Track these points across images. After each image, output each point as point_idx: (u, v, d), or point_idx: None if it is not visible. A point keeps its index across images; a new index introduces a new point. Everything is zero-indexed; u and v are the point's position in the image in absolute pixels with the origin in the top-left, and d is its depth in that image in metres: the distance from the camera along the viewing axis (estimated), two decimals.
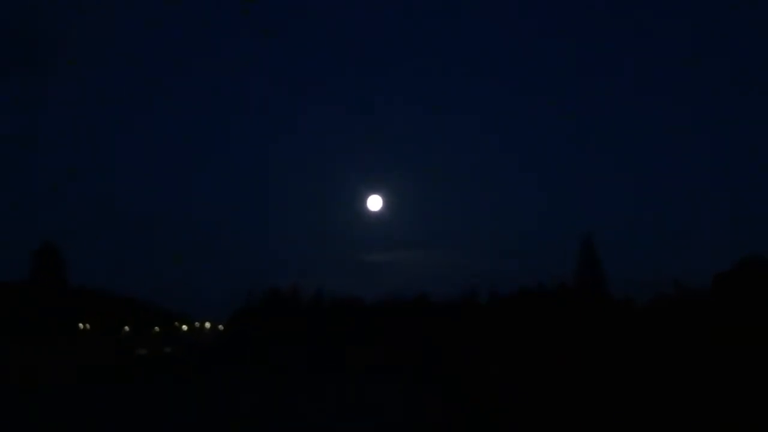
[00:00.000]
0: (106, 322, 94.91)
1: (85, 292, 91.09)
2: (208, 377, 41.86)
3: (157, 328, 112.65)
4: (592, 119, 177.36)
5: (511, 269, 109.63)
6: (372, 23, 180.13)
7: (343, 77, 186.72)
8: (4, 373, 42.26)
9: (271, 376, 41.80)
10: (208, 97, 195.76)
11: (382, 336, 65.96)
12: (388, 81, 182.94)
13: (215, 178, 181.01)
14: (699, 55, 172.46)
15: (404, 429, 22.64)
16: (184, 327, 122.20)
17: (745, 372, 29.98)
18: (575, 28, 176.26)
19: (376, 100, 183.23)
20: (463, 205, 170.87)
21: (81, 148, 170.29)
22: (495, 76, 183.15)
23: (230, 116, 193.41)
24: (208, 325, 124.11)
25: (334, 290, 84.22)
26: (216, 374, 43.29)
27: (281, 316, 76.62)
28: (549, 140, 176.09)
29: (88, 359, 51.21)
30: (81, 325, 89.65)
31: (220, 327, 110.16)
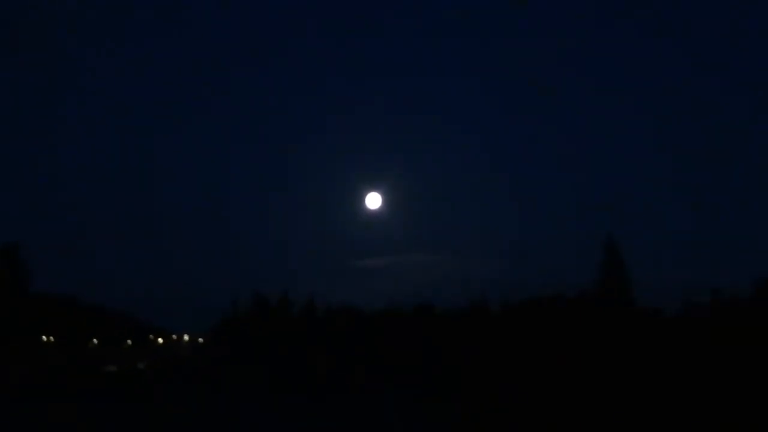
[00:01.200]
0: (71, 334, 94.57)
1: (49, 299, 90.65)
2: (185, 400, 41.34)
3: (129, 341, 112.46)
4: (614, 111, 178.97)
5: (525, 275, 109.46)
6: (371, 22, 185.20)
7: (341, 72, 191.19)
8: None
9: (257, 396, 41.29)
10: (191, 93, 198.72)
11: (382, 349, 65.86)
12: (390, 75, 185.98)
13: (193, 177, 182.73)
14: (731, 57, 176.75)
15: None
16: (160, 340, 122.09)
17: None
18: (585, 24, 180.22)
19: (375, 95, 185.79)
20: (471, 204, 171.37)
21: (51, 144, 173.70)
22: (507, 69, 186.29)
23: (202, 112, 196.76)
24: (186, 338, 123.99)
25: (329, 299, 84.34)
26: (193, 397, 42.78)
27: (269, 327, 76.48)
28: (566, 136, 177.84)
29: (43, 373, 50.99)
30: (44, 337, 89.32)
31: (200, 340, 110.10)
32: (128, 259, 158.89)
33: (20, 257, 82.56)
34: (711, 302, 58.63)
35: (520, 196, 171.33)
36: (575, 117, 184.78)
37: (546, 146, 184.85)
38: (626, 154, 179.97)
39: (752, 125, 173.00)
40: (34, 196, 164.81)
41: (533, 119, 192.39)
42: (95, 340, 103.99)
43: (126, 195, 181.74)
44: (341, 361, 64.10)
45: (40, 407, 34.08)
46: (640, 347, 47.05)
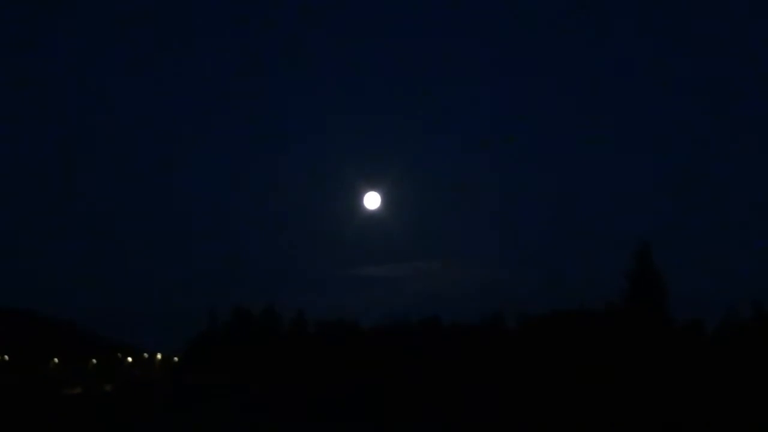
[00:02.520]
0: (28, 351, 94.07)
1: (5, 312, 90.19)
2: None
3: (94, 361, 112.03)
4: (639, 106, 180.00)
5: (544, 286, 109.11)
6: (371, 20, 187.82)
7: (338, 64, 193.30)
8: None
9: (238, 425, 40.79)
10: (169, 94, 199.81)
11: (383, 370, 65.57)
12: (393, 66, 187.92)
13: (168, 179, 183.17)
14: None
15: None
16: (129, 359, 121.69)
17: None
18: (602, 22, 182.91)
19: (374, 92, 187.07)
20: (482, 206, 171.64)
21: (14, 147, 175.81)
22: (522, 62, 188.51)
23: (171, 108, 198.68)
24: (159, 356, 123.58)
25: (321, 312, 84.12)
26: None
27: (252, 345, 76.17)
28: (590, 133, 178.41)
29: None
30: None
31: (175, 359, 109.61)
32: (94, 268, 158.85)
33: None
34: (753, 317, 58.59)
35: (538, 196, 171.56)
36: (596, 111, 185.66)
37: (567, 142, 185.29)
38: (657, 153, 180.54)
39: None
40: None
41: (551, 114, 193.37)
42: (55, 359, 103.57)
43: (89, 197, 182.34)
44: (337, 382, 63.82)
45: None
46: (678, 369, 46.89)
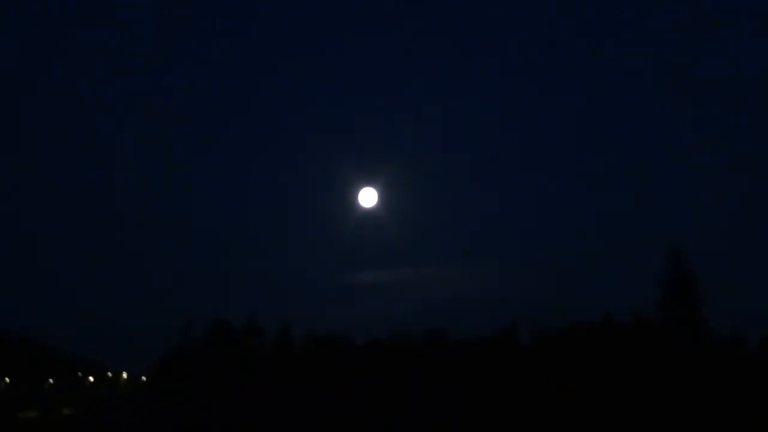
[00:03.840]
0: None
1: None
2: None
3: (51, 380, 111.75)
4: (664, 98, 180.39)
5: (563, 295, 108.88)
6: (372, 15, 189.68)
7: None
8: None
9: None
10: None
11: (380, 390, 65.44)
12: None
13: (139, 178, 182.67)
14: None
15: None
16: (91, 378, 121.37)
17: None
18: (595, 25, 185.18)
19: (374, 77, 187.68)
20: (492, 205, 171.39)
21: None
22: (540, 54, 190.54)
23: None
24: (125, 375, 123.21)
25: (310, 325, 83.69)
26: None
27: (232, 362, 75.99)
28: (611, 125, 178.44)
29: None
30: None
31: (143, 378, 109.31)
32: (49, 276, 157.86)
33: None
34: None
35: (554, 194, 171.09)
36: (616, 101, 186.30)
37: (587, 136, 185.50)
38: (687, 147, 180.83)
39: None
40: None
41: (563, 108, 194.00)
42: (6, 379, 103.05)
43: (52, 195, 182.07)
44: (328, 404, 63.72)
45: None
46: (716, 390, 46.92)
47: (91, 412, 71.29)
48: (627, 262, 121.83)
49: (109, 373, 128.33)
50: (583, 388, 55.71)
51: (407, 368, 68.28)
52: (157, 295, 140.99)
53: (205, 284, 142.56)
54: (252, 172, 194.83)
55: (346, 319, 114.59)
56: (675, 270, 59.01)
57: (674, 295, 58.38)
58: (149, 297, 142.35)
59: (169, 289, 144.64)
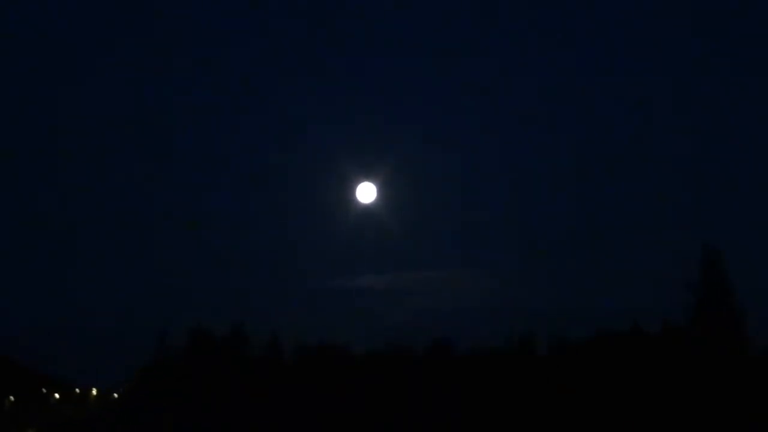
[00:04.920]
0: None
1: None
2: None
3: (12, 398, 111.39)
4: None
5: (584, 303, 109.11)
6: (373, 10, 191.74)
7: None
8: None
9: None
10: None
11: (380, 408, 65.44)
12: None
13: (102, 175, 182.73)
14: None
15: None
16: (57, 395, 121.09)
17: None
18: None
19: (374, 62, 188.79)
20: (503, 203, 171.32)
21: None
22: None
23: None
24: (94, 392, 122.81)
25: (302, 334, 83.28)
26: None
27: (214, 376, 75.99)
28: (631, 119, 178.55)
29: None
30: None
31: (115, 395, 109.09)
32: (13, 285, 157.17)
33: None
34: None
35: (573, 192, 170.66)
36: (636, 96, 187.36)
37: (604, 130, 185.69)
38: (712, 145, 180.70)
39: None
40: None
41: (589, 104, 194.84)
42: None
43: (11, 200, 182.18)
44: (321, 422, 63.73)
45: None
46: (756, 404, 46.89)
47: None
48: (654, 266, 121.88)
49: (77, 390, 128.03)
50: (609, 404, 55.80)
51: (410, 383, 68.41)
52: (129, 303, 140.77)
53: (184, 290, 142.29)
54: (238, 170, 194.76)
55: (342, 328, 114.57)
56: (709, 274, 59.03)
57: (709, 302, 58.38)
58: (121, 305, 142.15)
59: (144, 297, 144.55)
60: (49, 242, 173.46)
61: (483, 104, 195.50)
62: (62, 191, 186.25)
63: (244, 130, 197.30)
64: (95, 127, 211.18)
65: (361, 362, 77.59)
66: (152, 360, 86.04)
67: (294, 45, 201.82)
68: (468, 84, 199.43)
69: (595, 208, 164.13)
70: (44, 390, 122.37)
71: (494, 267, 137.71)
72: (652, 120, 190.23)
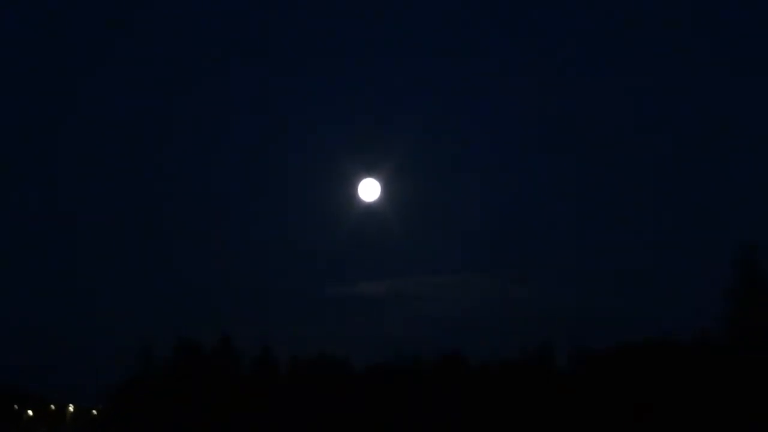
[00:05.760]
0: None
1: None
2: None
3: None
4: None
5: (609, 311, 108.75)
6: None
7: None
8: None
9: None
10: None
11: (383, 427, 65.41)
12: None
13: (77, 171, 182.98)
14: None
15: None
16: (30, 412, 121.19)
17: None
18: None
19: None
20: (517, 201, 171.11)
21: None
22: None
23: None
24: (71, 408, 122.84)
25: (297, 346, 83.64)
26: None
27: (202, 391, 76.02)
28: (654, 114, 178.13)
29: None
30: None
31: (94, 412, 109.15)
32: None
33: None
34: None
35: (592, 190, 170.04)
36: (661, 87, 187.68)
37: (623, 122, 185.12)
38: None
39: None
40: None
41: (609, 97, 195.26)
42: None
43: None
44: None
45: None
46: None
47: None
48: (684, 270, 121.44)
49: (52, 406, 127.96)
50: (636, 422, 55.70)
51: (417, 399, 68.37)
52: (110, 312, 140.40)
53: (169, 299, 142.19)
54: (227, 164, 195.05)
55: (341, 339, 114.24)
56: (747, 277, 58.72)
57: (746, 308, 58.15)
58: (101, 314, 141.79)
59: (126, 305, 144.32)
60: (21, 249, 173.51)
61: (486, 100, 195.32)
62: (41, 197, 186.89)
63: (243, 128, 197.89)
64: (85, 128, 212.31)
65: (363, 376, 77.82)
66: (135, 374, 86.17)
67: (293, 44, 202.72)
68: (474, 76, 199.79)
69: (615, 207, 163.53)
70: (16, 407, 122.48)
71: (509, 271, 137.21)
72: (670, 117, 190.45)
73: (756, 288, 57.59)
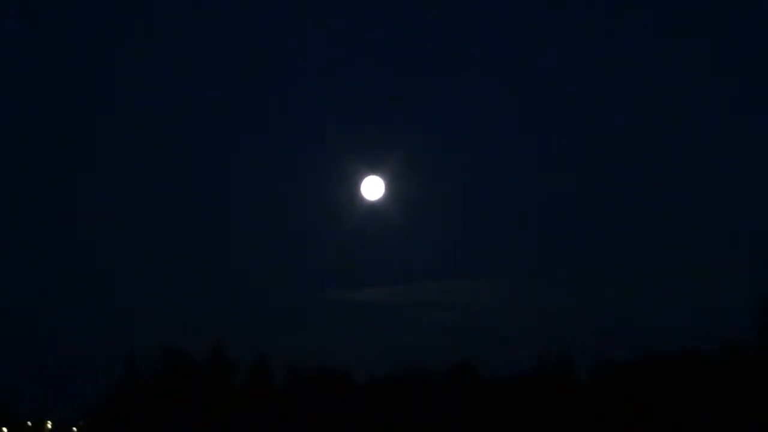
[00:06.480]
0: None
1: None
2: None
3: None
4: None
5: (632, 320, 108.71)
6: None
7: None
8: None
9: None
10: None
11: None
12: None
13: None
14: None
15: None
16: (4, 429, 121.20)
17: None
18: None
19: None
20: (533, 201, 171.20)
21: None
22: None
23: None
24: (49, 425, 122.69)
25: (294, 357, 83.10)
26: None
27: (191, 405, 76.13)
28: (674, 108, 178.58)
29: None
30: None
31: (74, 429, 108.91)
32: None
33: None
34: None
35: (613, 189, 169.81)
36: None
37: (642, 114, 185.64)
38: None
39: None
40: None
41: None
42: None
43: None
44: None
45: None
46: None
47: None
48: (713, 277, 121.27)
49: (29, 423, 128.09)
50: None
51: (426, 415, 68.59)
52: (92, 319, 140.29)
53: (156, 306, 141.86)
54: (220, 163, 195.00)
55: (342, 349, 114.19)
56: None
57: None
58: (82, 323, 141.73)
59: (109, 313, 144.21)
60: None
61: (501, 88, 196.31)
62: (17, 198, 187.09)
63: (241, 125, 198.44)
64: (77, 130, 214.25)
65: (366, 390, 77.78)
66: (118, 388, 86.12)
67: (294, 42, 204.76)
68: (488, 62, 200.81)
69: (636, 206, 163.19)
70: None
71: (525, 276, 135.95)
72: (698, 125, 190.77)
73: None
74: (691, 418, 58.05)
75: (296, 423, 72.30)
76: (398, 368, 78.32)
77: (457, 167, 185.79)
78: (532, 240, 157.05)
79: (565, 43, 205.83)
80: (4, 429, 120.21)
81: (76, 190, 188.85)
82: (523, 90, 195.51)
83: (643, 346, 71.80)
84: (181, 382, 79.61)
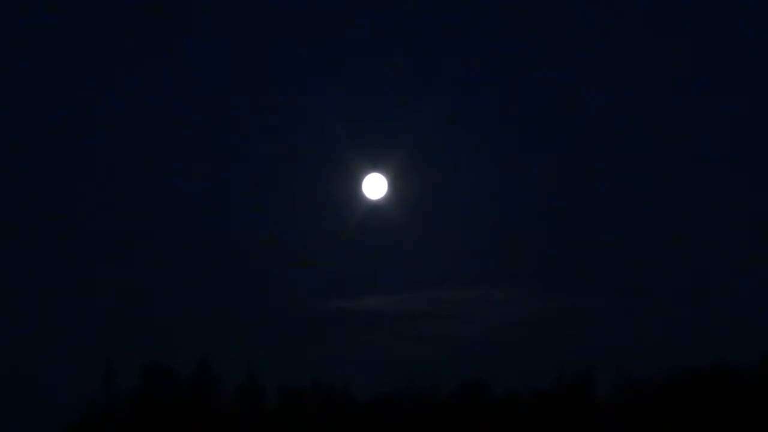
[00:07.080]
0: None
1: None
2: None
3: None
4: None
5: (655, 333, 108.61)
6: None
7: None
8: None
9: None
10: None
11: None
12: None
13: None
14: None
15: None
16: None
17: None
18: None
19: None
20: (546, 202, 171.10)
21: None
22: None
23: None
24: None
25: (287, 373, 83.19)
26: None
27: (175, 424, 75.90)
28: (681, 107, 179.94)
29: None
30: None
31: None
32: None
33: None
34: None
35: (633, 191, 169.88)
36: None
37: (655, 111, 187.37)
38: None
39: None
40: None
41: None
42: None
43: None
44: None
45: None
46: None
47: None
48: (741, 284, 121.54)
49: None
50: None
51: None
52: (68, 330, 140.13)
53: (137, 316, 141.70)
54: (211, 158, 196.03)
55: (340, 364, 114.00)
56: None
57: None
58: (57, 333, 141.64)
59: (86, 323, 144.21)
60: None
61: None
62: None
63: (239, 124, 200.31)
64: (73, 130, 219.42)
65: (367, 408, 77.94)
66: (95, 406, 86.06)
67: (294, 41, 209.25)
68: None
69: (660, 210, 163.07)
70: None
71: (538, 285, 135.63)
72: (734, 126, 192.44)
73: None
74: None
75: None
76: (403, 384, 78.36)
77: (466, 165, 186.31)
78: (548, 246, 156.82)
79: (568, 45, 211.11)
80: None
81: (61, 201, 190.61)
82: (531, 86, 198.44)
83: (668, 360, 72.12)
84: (165, 399, 79.87)
